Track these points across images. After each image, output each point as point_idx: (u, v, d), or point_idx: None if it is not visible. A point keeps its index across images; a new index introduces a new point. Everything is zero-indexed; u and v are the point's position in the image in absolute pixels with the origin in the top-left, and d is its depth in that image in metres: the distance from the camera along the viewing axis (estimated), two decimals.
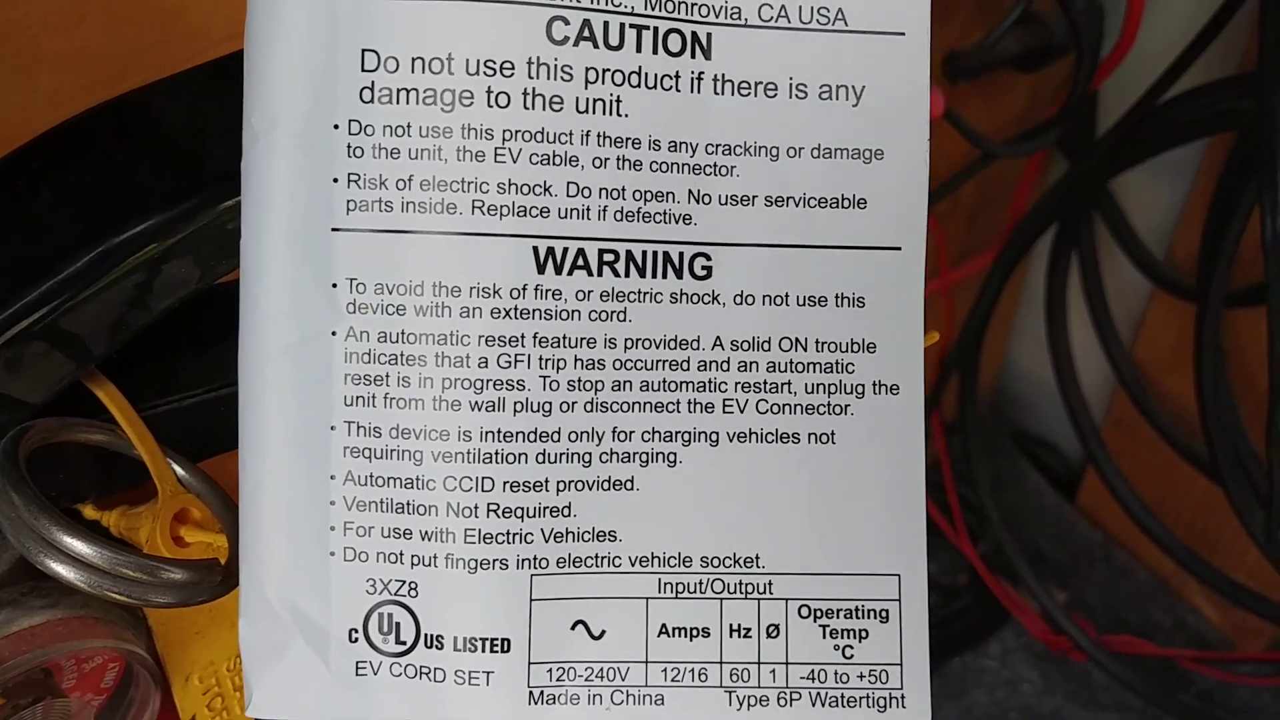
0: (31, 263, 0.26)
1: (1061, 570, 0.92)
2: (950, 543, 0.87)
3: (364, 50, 0.23)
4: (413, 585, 0.23)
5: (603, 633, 0.24)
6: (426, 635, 0.24)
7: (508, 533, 0.23)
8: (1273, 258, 0.52)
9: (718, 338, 0.24)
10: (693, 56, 0.24)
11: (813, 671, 0.24)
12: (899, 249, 0.24)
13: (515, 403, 0.23)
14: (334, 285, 0.23)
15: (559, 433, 0.23)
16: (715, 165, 0.24)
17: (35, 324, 0.25)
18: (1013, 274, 0.74)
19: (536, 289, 0.23)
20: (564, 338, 0.23)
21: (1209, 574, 0.76)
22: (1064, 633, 0.82)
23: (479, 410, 0.23)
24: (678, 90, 0.24)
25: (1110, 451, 0.80)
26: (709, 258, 0.24)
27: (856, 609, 0.24)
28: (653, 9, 0.23)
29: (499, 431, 0.23)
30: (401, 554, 0.23)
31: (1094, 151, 0.67)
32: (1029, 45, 0.62)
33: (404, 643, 0.24)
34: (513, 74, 0.23)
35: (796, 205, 0.24)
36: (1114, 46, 0.61)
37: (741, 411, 0.24)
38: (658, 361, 0.24)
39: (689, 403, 0.24)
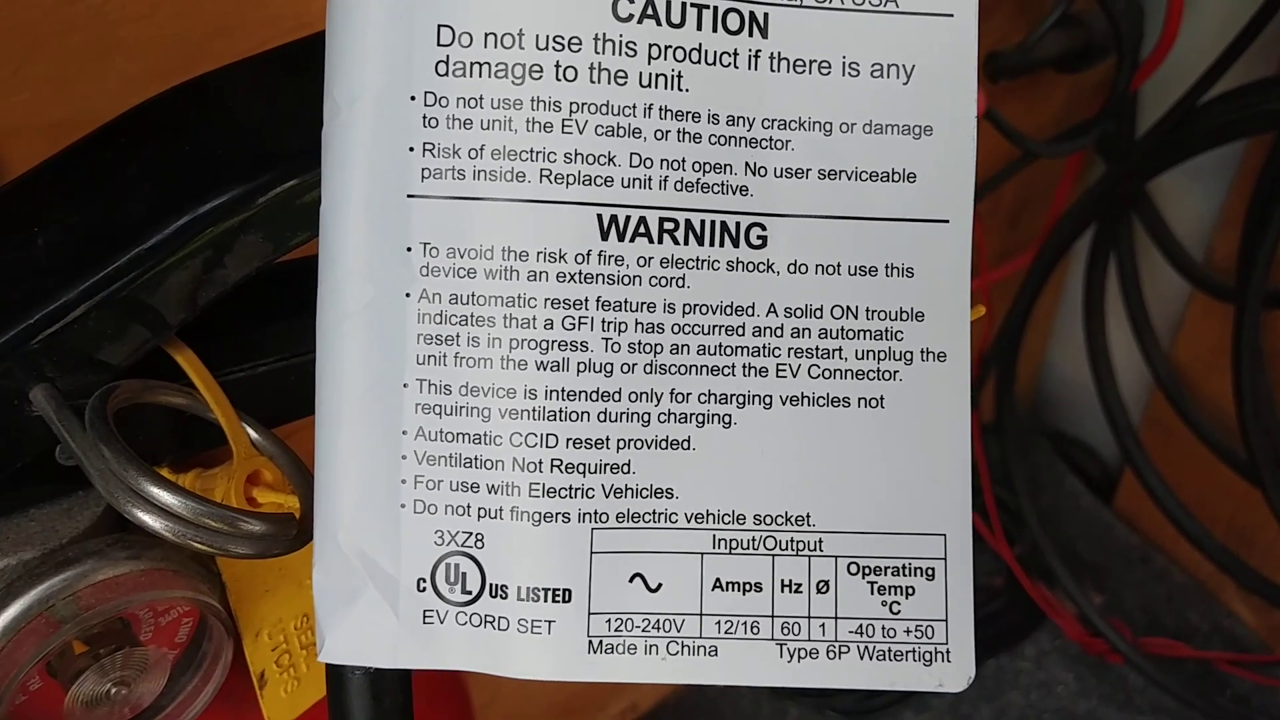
0: (118, 231, 0.27)
1: (1098, 573, 0.92)
2: (987, 544, 0.87)
3: (439, 25, 0.24)
4: (479, 537, 0.25)
5: (659, 585, 0.25)
6: (491, 585, 0.25)
7: (570, 487, 0.24)
8: None
9: (772, 305, 0.25)
10: (750, 35, 0.25)
11: (861, 626, 0.25)
12: (947, 222, 0.25)
13: (579, 363, 0.24)
14: (408, 249, 0.24)
15: (619, 393, 0.25)
16: (771, 139, 0.25)
17: (121, 289, 0.27)
18: (1052, 276, 0.75)
19: (600, 254, 0.24)
20: (625, 302, 0.24)
21: (1247, 575, 0.76)
22: (1100, 635, 0.83)
23: (544, 370, 0.24)
24: (736, 67, 0.25)
25: (1148, 453, 0.80)
26: (764, 228, 0.25)
27: (904, 566, 0.25)
28: None
29: (563, 390, 0.24)
30: (469, 507, 0.24)
31: (1133, 153, 0.68)
32: (1069, 46, 0.63)
33: (470, 592, 0.25)
34: (580, 49, 0.24)
35: (848, 178, 0.25)
36: (1154, 48, 0.62)
37: (794, 376, 0.25)
38: (714, 326, 0.25)
39: (744, 367, 0.25)
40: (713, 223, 0.25)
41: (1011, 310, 0.76)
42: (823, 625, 0.25)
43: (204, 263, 0.27)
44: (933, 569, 0.25)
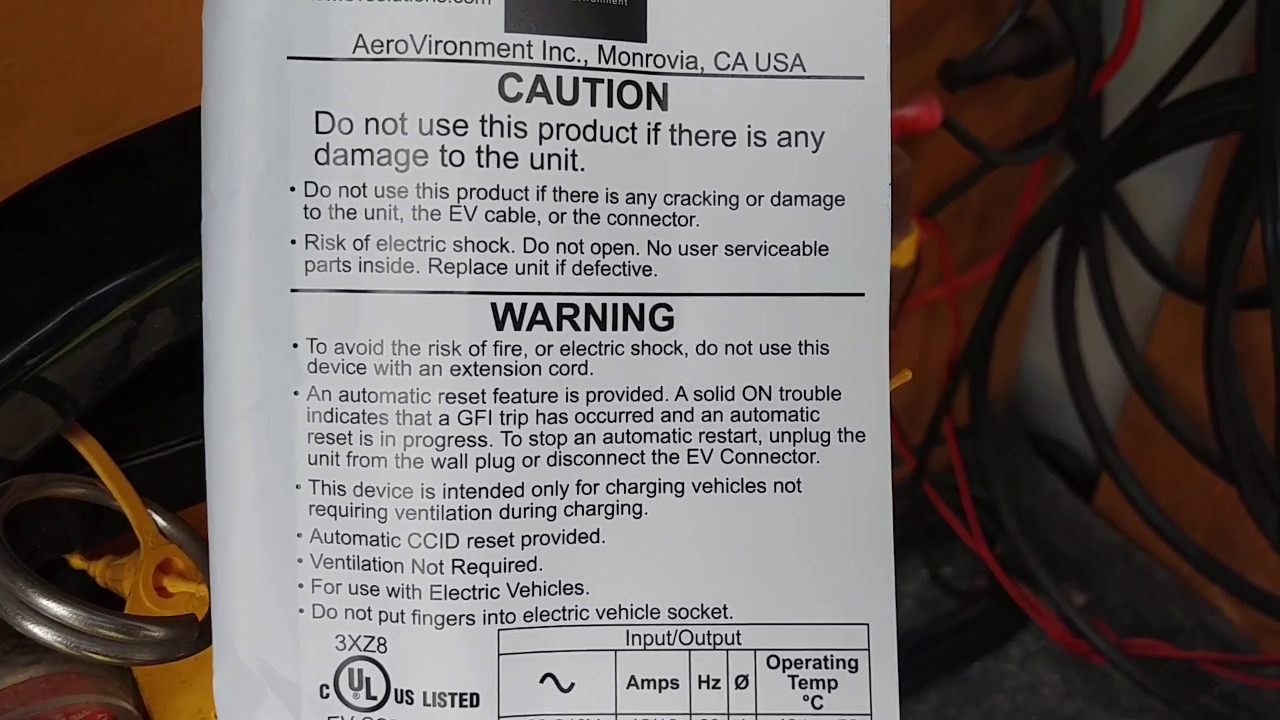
0: (4, 324, 0.26)
1: (1081, 572, 0.91)
2: (967, 546, 0.87)
3: (318, 112, 0.23)
4: (381, 641, 0.24)
5: (572, 685, 0.24)
6: (396, 690, 0.24)
7: (473, 588, 0.23)
8: (1274, 266, 0.51)
9: (681, 388, 0.24)
10: (649, 107, 0.24)
11: None
12: (862, 295, 0.24)
13: (478, 459, 0.23)
14: (295, 345, 0.23)
15: (522, 488, 0.24)
16: (674, 215, 0.24)
17: (10, 385, 0.26)
18: (1025, 275, 0.74)
19: (496, 345, 0.23)
20: (525, 393, 0.23)
21: (1227, 577, 0.75)
22: (1083, 636, 0.82)
23: (441, 467, 0.23)
24: (634, 142, 0.24)
25: (1124, 454, 0.79)
26: (670, 308, 0.24)
27: (825, 659, 0.24)
28: (607, 62, 0.23)
29: (462, 488, 0.23)
30: (369, 610, 0.24)
31: (1097, 156, 0.66)
32: (1027, 51, 0.61)
33: (374, 698, 0.24)
34: (466, 132, 0.23)
35: (757, 253, 0.24)
36: (1113, 51, 0.60)
37: (707, 461, 0.24)
38: (621, 413, 0.24)
39: (654, 454, 0.24)
40: (615, 306, 0.24)
41: (982, 314, 0.75)
42: None
43: (98, 351, 0.26)
44: (855, 661, 0.24)
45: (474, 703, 0.24)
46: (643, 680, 0.24)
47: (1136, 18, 0.59)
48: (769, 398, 0.24)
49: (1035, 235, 0.71)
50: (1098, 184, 0.68)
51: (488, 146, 0.23)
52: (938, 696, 0.88)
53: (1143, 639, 0.83)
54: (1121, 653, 0.81)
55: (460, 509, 0.23)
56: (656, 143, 0.24)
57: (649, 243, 0.24)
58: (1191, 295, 0.71)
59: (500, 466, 0.23)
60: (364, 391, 0.23)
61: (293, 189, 0.23)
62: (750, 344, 0.24)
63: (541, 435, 0.24)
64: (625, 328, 0.24)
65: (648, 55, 0.24)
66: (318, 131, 0.23)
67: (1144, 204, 0.75)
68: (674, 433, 0.24)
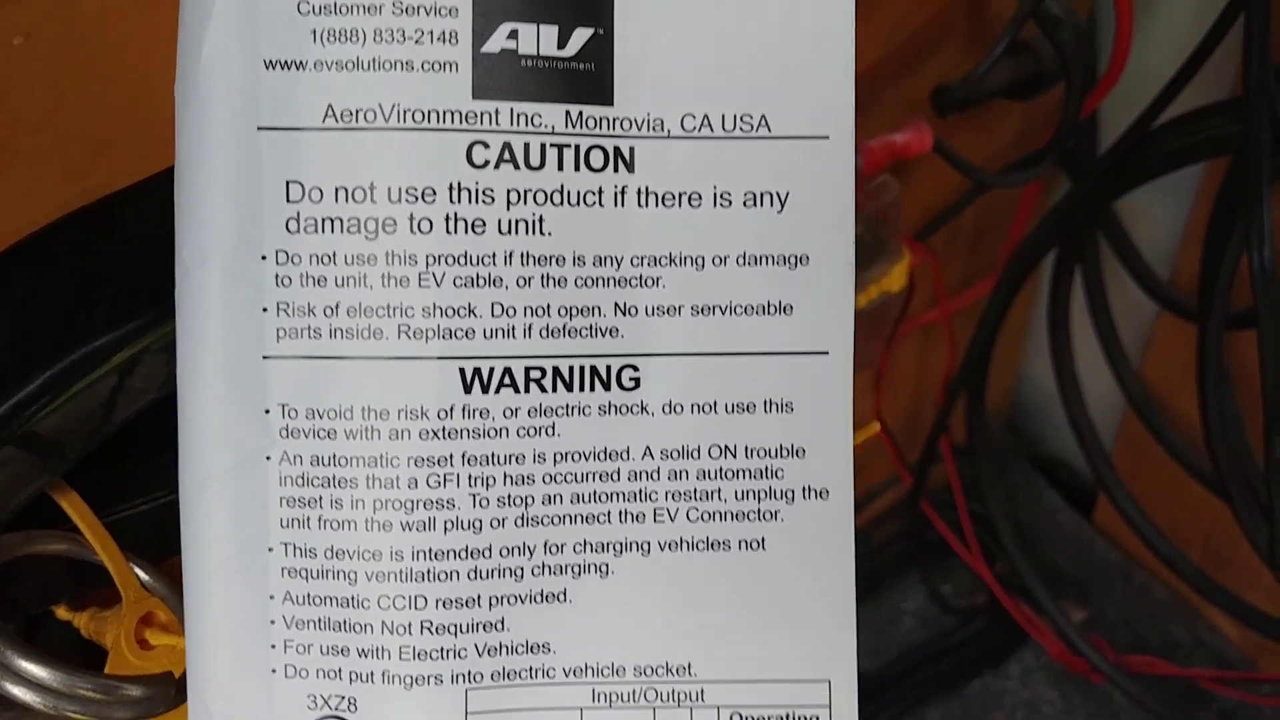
0: None
1: (1080, 589, 0.92)
2: (966, 563, 0.87)
3: (288, 181, 0.23)
4: (352, 701, 0.24)
5: None
6: None
7: (441, 649, 0.24)
8: (1260, 289, 0.51)
9: (647, 447, 0.24)
10: (615, 171, 0.24)
11: None
12: (826, 353, 0.25)
13: (445, 521, 0.24)
14: (266, 411, 0.23)
15: (490, 549, 0.24)
16: (641, 277, 0.24)
17: None
18: (1023, 293, 0.74)
19: (464, 409, 0.24)
20: (493, 455, 0.24)
21: (1222, 596, 0.75)
22: (1082, 654, 0.82)
23: (410, 530, 0.24)
24: (601, 205, 0.24)
25: (1121, 472, 0.80)
26: (636, 369, 0.24)
27: (787, 715, 0.25)
28: (574, 126, 0.24)
29: (430, 550, 0.24)
30: (340, 671, 0.24)
31: (1089, 177, 0.67)
32: (1019, 75, 0.62)
33: None
34: (434, 200, 0.23)
35: (723, 313, 0.24)
36: (1104, 74, 0.60)
37: (672, 520, 0.25)
38: (588, 474, 0.24)
39: (620, 513, 0.24)
40: (582, 368, 0.24)
41: (977, 334, 0.75)
42: None
43: (79, 411, 0.27)
44: (817, 717, 0.25)
45: None
46: None
47: (1127, 41, 0.59)
48: (735, 456, 0.25)
49: (1029, 256, 0.72)
50: (1092, 203, 0.69)
51: (456, 214, 0.23)
52: (937, 714, 0.88)
53: (1142, 656, 0.83)
54: (1121, 670, 0.81)
55: (429, 571, 0.24)
56: (623, 205, 0.24)
57: (616, 304, 0.24)
58: (1186, 314, 0.71)
59: (468, 529, 0.24)
60: (334, 456, 0.23)
61: (264, 257, 0.23)
62: (716, 403, 0.25)
63: (509, 497, 0.24)
64: (592, 389, 0.24)
65: (614, 119, 0.24)
66: (288, 200, 0.23)
67: (1139, 223, 0.75)
68: (640, 492, 0.25)
